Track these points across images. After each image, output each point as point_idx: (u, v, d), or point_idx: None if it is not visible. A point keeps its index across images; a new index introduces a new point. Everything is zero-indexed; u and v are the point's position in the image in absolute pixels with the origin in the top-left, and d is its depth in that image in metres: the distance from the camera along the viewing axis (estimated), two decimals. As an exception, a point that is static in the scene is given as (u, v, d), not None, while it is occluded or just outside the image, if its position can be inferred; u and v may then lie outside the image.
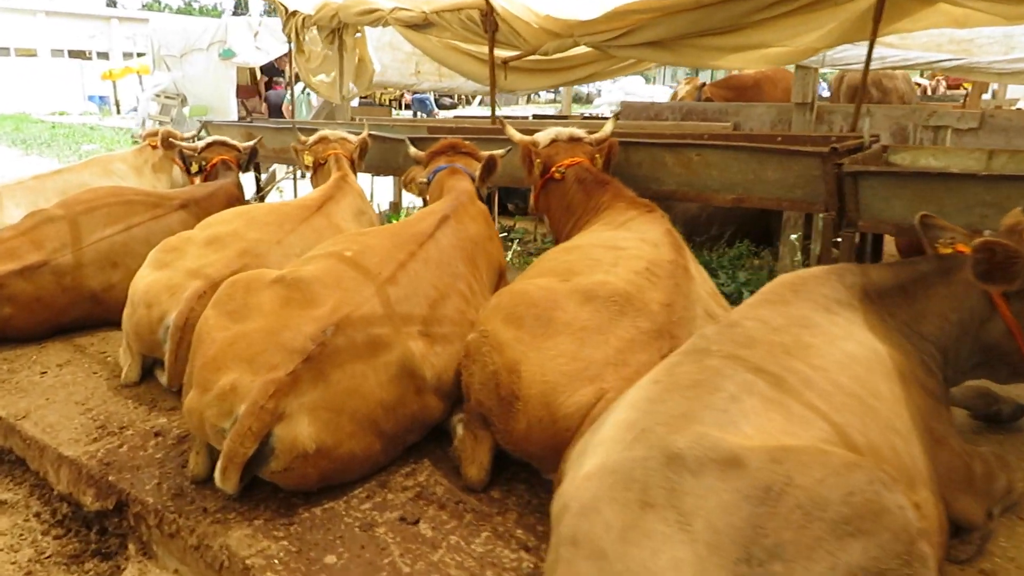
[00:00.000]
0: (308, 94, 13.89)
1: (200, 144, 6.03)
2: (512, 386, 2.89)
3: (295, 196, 7.46)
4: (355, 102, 11.95)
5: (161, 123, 16.61)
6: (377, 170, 6.48)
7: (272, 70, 16.56)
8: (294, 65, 8.89)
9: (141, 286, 3.90)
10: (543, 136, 4.78)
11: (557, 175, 4.61)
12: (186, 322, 3.53)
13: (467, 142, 5.03)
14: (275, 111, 15.49)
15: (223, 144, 6.00)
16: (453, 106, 34.60)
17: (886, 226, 3.98)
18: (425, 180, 4.87)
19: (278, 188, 8.88)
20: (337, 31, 8.17)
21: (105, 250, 4.64)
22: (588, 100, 36.57)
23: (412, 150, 5.17)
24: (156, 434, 3.40)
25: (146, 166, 6.50)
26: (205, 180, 5.80)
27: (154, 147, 6.54)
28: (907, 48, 5.98)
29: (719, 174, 4.55)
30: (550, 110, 26.75)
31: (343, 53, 8.28)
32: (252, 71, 16.55)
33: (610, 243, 3.69)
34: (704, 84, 8.69)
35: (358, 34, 8.46)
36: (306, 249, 3.96)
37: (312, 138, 5.49)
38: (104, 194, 5.00)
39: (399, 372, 3.06)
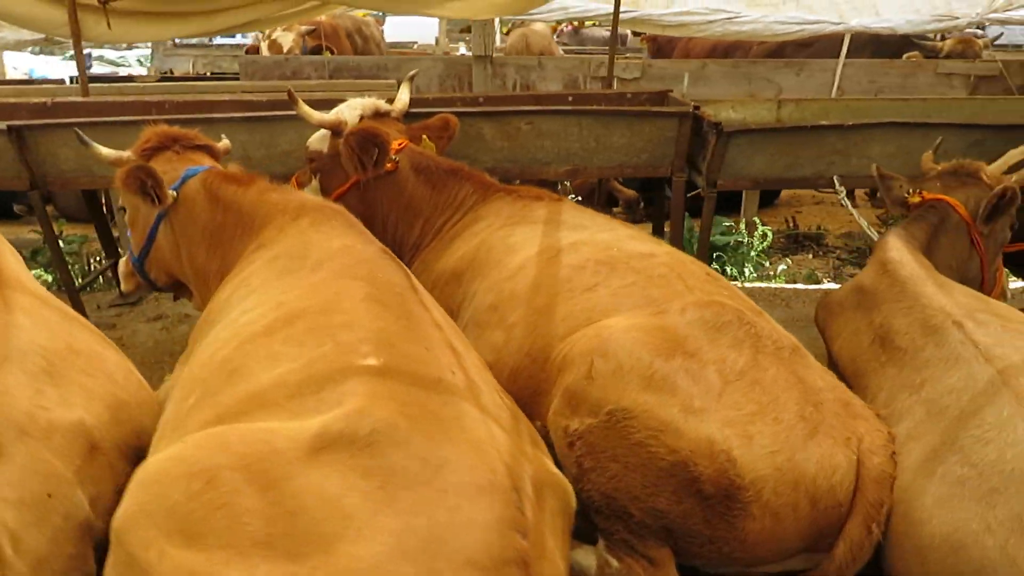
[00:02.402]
0: None
1: None
2: (721, 476, 2.08)
3: None
4: None
5: None
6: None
7: None
8: None
9: None
10: (349, 113, 3.40)
11: (389, 165, 3.36)
12: None
13: (187, 130, 3.28)
14: None
15: None
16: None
17: (744, 182, 3.99)
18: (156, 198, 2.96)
19: None
20: None
21: None
22: None
23: (103, 150, 3.13)
24: None
25: None
26: None
27: None
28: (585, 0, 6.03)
29: (553, 144, 3.90)
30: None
31: None
32: None
33: (598, 252, 2.82)
34: (311, 31, 7.14)
35: None
36: None
37: None
38: None
39: None
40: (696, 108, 3.85)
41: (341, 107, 3.47)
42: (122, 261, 3.46)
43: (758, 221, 5.83)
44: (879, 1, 6.03)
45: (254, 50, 7.00)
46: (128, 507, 1.63)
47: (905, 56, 7.57)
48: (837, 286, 5.64)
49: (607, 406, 2.18)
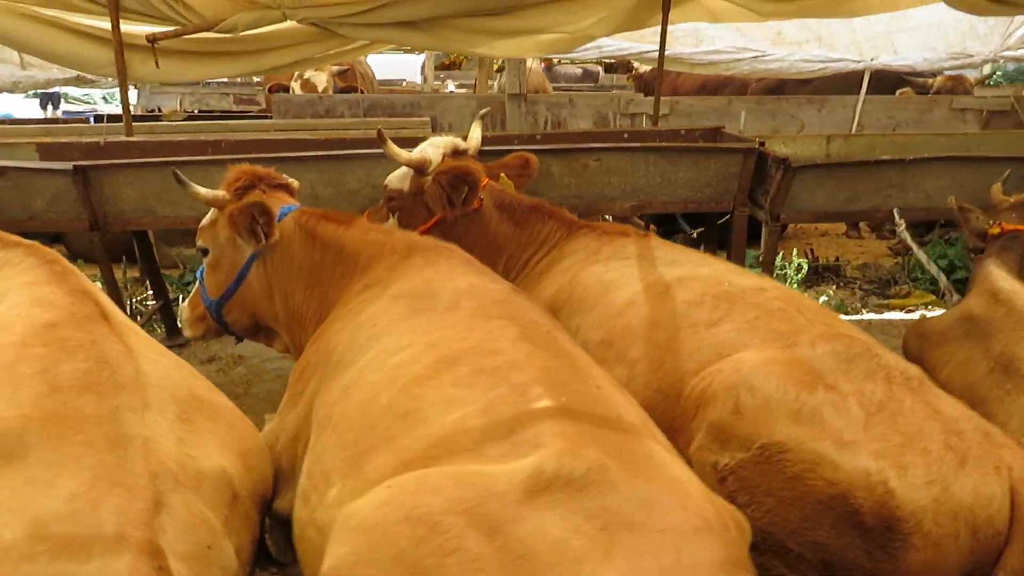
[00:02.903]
0: None
1: None
2: (881, 507, 2.07)
3: None
4: None
5: None
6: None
7: None
8: None
9: None
10: (432, 152, 3.41)
11: (475, 203, 3.36)
12: None
13: (269, 169, 3.27)
14: None
15: None
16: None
17: (805, 216, 4.07)
18: (263, 236, 2.93)
19: None
20: None
21: None
22: None
23: (201, 189, 3.09)
24: None
25: None
26: None
27: None
28: (618, 39, 6.10)
29: (620, 180, 3.95)
30: None
31: None
32: None
33: (710, 287, 2.83)
34: (343, 72, 7.13)
35: None
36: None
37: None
38: None
39: None
40: (761, 144, 3.92)
41: (424, 146, 3.47)
42: (185, 305, 3.38)
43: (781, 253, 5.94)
44: (897, 40, 6.25)
45: (278, 88, 6.97)
46: (344, 557, 1.58)
47: (898, 92, 7.83)
48: (874, 316, 5.77)
49: (759, 440, 2.18)
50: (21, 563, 1.58)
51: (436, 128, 5.76)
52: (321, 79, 6.78)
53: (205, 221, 3.17)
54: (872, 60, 6.10)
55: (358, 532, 1.60)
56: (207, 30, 4.35)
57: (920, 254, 3.92)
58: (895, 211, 4.00)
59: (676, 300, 2.75)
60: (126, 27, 4.40)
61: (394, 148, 3.37)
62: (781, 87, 8.64)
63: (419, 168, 3.39)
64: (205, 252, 3.18)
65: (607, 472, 1.64)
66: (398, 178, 3.52)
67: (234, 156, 3.66)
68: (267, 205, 2.83)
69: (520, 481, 1.61)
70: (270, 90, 7.24)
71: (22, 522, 1.61)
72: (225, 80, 11.16)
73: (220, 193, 3.03)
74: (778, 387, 2.24)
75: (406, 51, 12.49)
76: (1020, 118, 6.11)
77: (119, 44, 4.40)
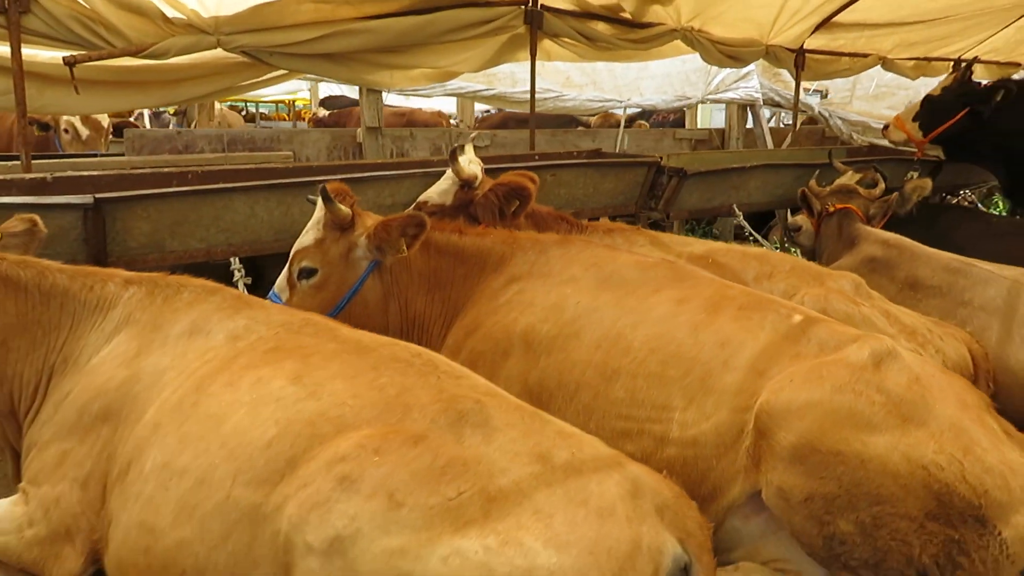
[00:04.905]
0: None
1: None
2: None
3: None
4: None
5: None
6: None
7: None
8: None
9: None
10: (477, 169, 3.86)
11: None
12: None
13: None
14: None
15: None
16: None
17: (683, 213, 5.30)
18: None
19: None
20: None
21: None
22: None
23: (343, 207, 3.18)
24: None
25: None
26: None
27: None
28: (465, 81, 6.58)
29: (567, 192, 4.76)
30: None
31: None
32: None
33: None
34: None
35: None
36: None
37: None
38: None
39: None
40: (660, 159, 5.07)
41: (469, 163, 3.86)
42: None
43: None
44: (643, 85, 8.02)
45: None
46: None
47: (636, 124, 9.99)
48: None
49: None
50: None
51: (298, 162, 5.84)
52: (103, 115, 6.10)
53: (308, 242, 3.22)
54: (628, 100, 7.77)
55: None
56: (134, 54, 4.03)
57: (758, 236, 5.43)
58: (734, 207, 5.48)
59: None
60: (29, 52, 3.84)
61: (460, 164, 3.73)
62: (505, 123, 10.31)
63: (469, 183, 3.79)
64: (309, 273, 3.22)
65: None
66: (439, 193, 3.86)
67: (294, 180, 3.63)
68: (424, 217, 3.08)
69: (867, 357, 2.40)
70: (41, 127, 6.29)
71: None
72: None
73: (347, 209, 3.14)
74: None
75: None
76: (715, 143, 8.34)
77: (19, 71, 3.82)
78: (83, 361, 2.56)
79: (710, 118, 12.12)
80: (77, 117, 6.32)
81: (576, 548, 1.77)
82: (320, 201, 3.24)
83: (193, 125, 8.37)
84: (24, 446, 2.59)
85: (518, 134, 7.13)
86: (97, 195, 3.25)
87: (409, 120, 10.36)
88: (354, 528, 1.76)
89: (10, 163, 4.25)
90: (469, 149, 4.34)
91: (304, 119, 16.18)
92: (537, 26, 5.49)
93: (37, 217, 2.83)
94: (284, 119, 13.64)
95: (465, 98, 7.99)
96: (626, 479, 1.99)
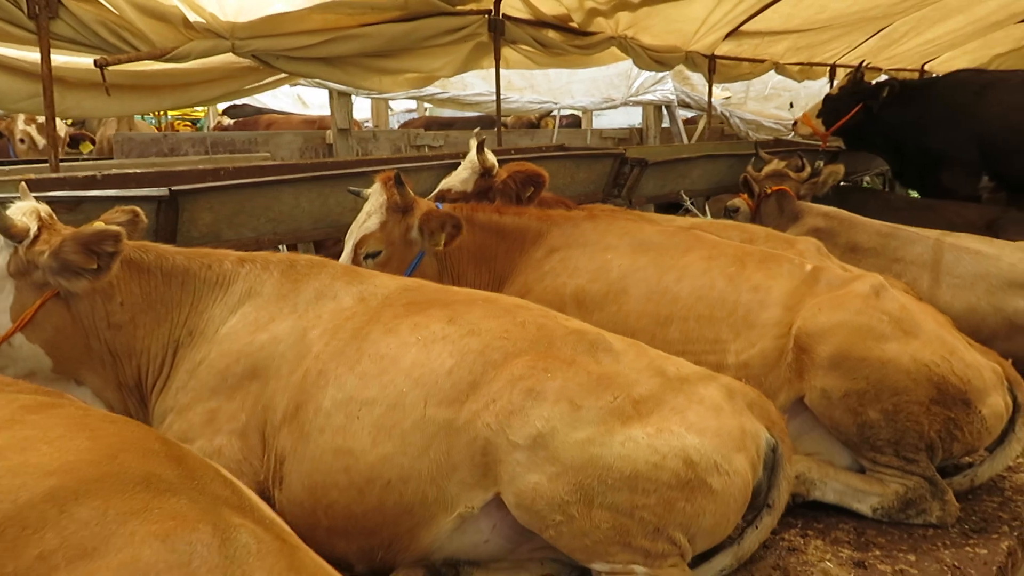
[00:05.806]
0: None
1: None
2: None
3: None
4: None
5: None
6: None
7: None
8: None
9: None
10: (494, 159, 4.33)
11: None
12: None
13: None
14: None
15: None
16: None
17: (641, 199, 5.97)
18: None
19: None
20: None
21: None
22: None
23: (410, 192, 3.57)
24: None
25: None
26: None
27: None
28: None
29: (552, 181, 5.30)
30: None
31: None
32: None
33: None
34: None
35: None
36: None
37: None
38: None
39: None
40: (624, 151, 5.71)
41: (486, 152, 4.32)
42: None
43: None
44: (574, 88, 8.70)
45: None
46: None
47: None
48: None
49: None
50: None
51: (274, 159, 6.06)
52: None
53: (374, 225, 3.61)
54: (561, 102, 8.42)
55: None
56: (157, 58, 4.22)
57: (701, 216, 6.19)
58: (681, 192, 6.22)
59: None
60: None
61: (486, 154, 4.19)
62: (429, 126, 10.81)
63: (489, 171, 4.26)
64: (375, 254, 3.61)
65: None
66: (461, 181, 4.30)
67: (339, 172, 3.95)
68: (460, 219, 3.52)
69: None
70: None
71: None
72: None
73: (412, 194, 3.55)
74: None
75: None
76: (640, 140, 9.15)
77: (48, 75, 3.93)
78: (210, 332, 2.85)
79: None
80: (34, 127, 6.25)
81: (708, 433, 2.34)
82: (379, 187, 3.64)
83: (98, 136, 8.34)
84: (156, 414, 2.83)
85: (467, 134, 7.61)
86: (172, 187, 3.48)
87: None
88: (550, 427, 2.24)
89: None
90: (474, 143, 4.81)
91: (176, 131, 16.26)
92: (500, 33, 6.03)
93: (139, 208, 3.07)
94: (189, 128, 13.51)
95: (422, 100, 8.40)
96: (721, 385, 2.57)
